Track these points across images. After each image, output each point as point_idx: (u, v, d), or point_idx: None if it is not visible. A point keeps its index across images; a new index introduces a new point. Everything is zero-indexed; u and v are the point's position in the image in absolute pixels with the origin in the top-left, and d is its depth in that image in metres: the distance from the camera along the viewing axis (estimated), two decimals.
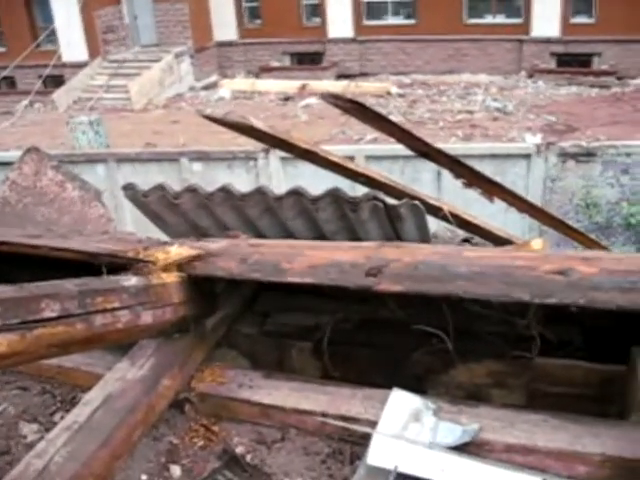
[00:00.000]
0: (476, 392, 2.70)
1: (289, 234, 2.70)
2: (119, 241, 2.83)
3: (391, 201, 2.52)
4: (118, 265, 2.46)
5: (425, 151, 2.84)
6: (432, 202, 2.70)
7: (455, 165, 2.90)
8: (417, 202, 2.44)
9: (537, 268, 2.06)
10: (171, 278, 2.42)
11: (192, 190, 2.72)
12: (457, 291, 2.07)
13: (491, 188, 2.95)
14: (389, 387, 2.40)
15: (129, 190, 2.91)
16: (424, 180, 12.37)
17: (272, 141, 2.53)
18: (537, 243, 2.70)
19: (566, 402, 2.55)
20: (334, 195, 2.42)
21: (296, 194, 2.46)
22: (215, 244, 2.51)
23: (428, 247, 2.33)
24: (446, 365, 2.70)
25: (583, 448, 2.19)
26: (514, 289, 2.01)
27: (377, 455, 2.09)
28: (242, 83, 25.82)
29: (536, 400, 2.63)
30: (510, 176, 13.34)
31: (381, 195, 2.47)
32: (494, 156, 13.76)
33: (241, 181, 13.38)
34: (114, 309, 2.16)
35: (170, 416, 2.56)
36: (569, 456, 2.19)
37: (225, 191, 2.62)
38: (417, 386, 2.65)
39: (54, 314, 1.88)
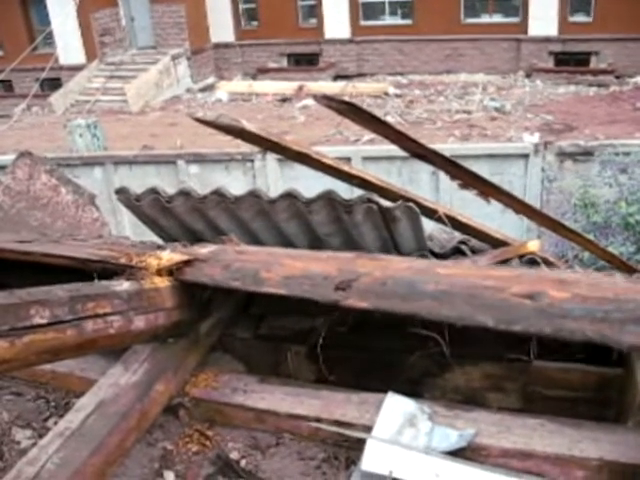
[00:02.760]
0: (472, 396, 2.67)
1: (283, 237, 2.68)
2: (112, 246, 2.80)
3: (386, 203, 2.50)
4: (111, 270, 2.45)
5: (420, 152, 2.82)
6: (427, 204, 2.68)
7: (450, 166, 2.88)
8: (412, 204, 2.42)
9: (506, 290, 1.99)
10: (163, 283, 2.40)
11: (185, 193, 2.70)
12: (421, 312, 2.04)
13: (487, 189, 2.93)
14: (384, 391, 2.38)
15: (122, 194, 2.89)
16: (422, 180, 12.37)
17: (264, 144, 2.50)
18: (534, 244, 2.68)
19: (563, 405, 2.54)
20: (328, 198, 2.40)
21: (289, 197, 2.44)
22: (204, 249, 2.50)
23: (403, 261, 2.31)
24: (442, 368, 2.68)
25: (581, 453, 2.17)
26: (478, 312, 1.96)
27: (372, 460, 2.07)
28: (239, 85, 25.81)
29: (533, 403, 2.61)
30: (508, 176, 13.32)
31: (375, 197, 2.45)
32: (492, 156, 13.74)
33: (238, 183, 13.36)
34: (106, 314, 2.14)
35: (164, 421, 2.54)
36: (567, 461, 2.17)
37: (218, 194, 2.60)
38: (413, 390, 2.63)
39: (44, 320, 1.86)
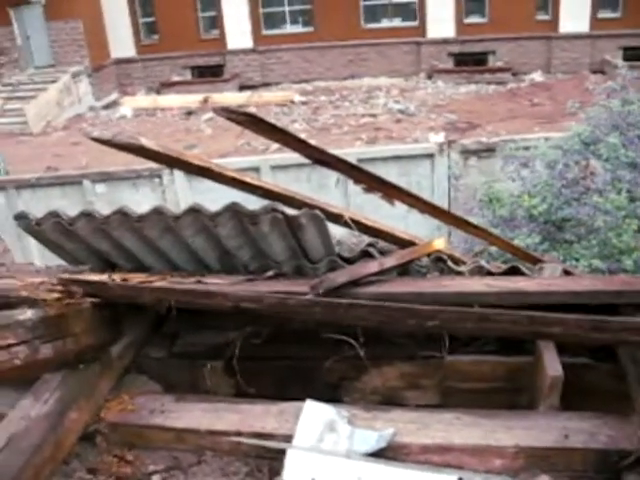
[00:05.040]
0: (390, 395, 2.71)
1: (191, 253, 2.64)
2: (16, 273, 2.71)
3: (291, 212, 2.50)
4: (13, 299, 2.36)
5: (323, 159, 2.85)
6: (333, 210, 2.70)
7: (354, 171, 2.91)
8: (317, 211, 2.43)
9: None
10: (70, 308, 2.33)
11: (87, 215, 2.63)
12: None
13: (391, 191, 2.98)
14: (304, 399, 2.39)
15: (22, 219, 2.79)
16: (331, 186, 12.44)
17: (165, 160, 2.47)
18: (439, 242, 2.74)
19: (478, 397, 2.61)
20: (233, 210, 2.38)
21: (194, 212, 2.41)
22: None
23: None
24: (359, 371, 2.71)
25: (497, 442, 2.24)
26: None
27: (293, 470, 2.08)
28: (143, 100, 25.39)
29: (450, 398, 2.67)
30: (416, 176, 13.59)
31: (280, 206, 2.45)
32: (398, 157, 13.98)
33: (147, 200, 13.10)
34: (10, 346, 2.08)
35: (81, 450, 2.47)
36: (484, 451, 2.23)
37: (121, 213, 2.55)
38: (332, 395, 2.65)
39: None
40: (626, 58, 22.70)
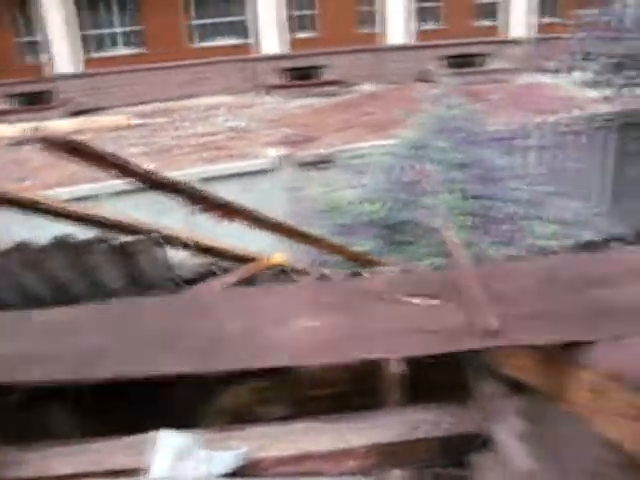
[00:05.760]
0: (244, 413, 2.72)
1: (22, 289, 2.52)
2: None
3: (127, 238, 2.45)
4: None
5: (156, 183, 2.82)
6: (171, 233, 2.68)
7: (190, 192, 2.91)
8: (153, 235, 2.40)
9: None
10: None
11: None
12: None
13: (228, 210, 3.00)
14: (157, 429, 2.34)
15: None
16: (174, 208, 12.23)
17: None
18: (278, 257, 2.79)
19: (328, 402, 2.66)
20: (62, 242, 2.31)
21: (21, 247, 2.31)
22: None
23: None
24: (211, 394, 2.69)
25: (347, 444, 2.30)
26: None
27: None
28: None
29: (302, 407, 2.71)
30: (256, 192, 13.66)
31: (114, 234, 2.40)
32: (239, 174, 14.01)
33: None
34: None
35: None
36: (337, 454, 2.28)
37: None
38: (187, 421, 2.61)
39: None
40: (450, 66, 24.17)
